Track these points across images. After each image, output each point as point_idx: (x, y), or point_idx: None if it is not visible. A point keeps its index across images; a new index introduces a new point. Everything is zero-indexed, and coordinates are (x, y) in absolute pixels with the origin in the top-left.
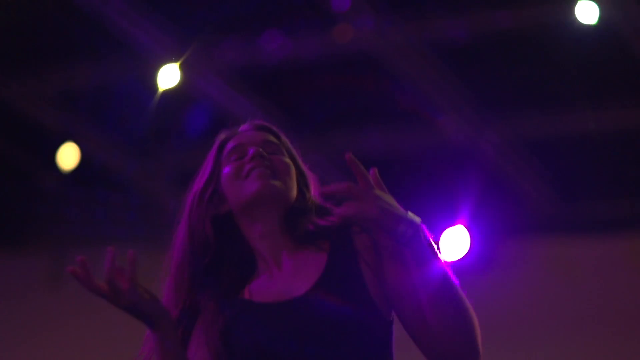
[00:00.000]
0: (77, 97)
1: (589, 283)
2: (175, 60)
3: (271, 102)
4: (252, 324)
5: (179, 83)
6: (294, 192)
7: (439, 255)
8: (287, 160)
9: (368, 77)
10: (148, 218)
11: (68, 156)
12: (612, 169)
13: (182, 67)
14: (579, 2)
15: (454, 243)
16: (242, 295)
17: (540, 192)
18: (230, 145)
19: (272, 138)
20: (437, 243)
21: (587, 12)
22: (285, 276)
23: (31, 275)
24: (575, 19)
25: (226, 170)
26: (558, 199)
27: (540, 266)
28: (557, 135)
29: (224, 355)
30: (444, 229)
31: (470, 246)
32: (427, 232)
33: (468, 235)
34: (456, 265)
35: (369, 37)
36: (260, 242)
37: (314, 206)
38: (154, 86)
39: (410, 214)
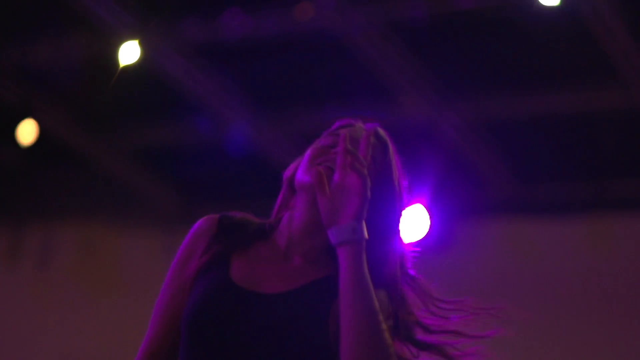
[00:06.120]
0: (37, 73)
1: (547, 264)
2: (135, 37)
3: (231, 79)
4: (211, 295)
5: (139, 59)
6: None
7: (370, 292)
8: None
9: (328, 56)
10: (107, 194)
11: (27, 132)
12: (570, 151)
13: (142, 44)
14: None
15: (413, 223)
16: (233, 257)
17: (499, 173)
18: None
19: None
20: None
21: None
22: (277, 269)
23: None
24: (537, 0)
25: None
26: (517, 181)
27: (499, 247)
28: (517, 117)
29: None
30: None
31: (429, 226)
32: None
33: (427, 216)
34: (415, 245)
35: (330, 16)
36: (293, 221)
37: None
38: (114, 62)
39: (356, 227)
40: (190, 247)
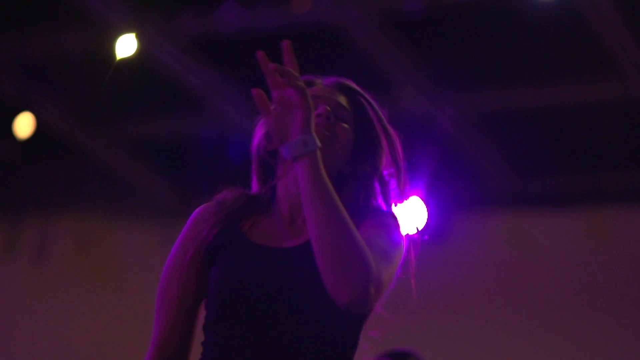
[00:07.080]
0: (34, 66)
1: (542, 257)
2: (132, 30)
3: (227, 72)
4: (238, 258)
5: (136, 52)
6: (342, 160)
7: (331, 197)
8: (348, 129)
9: (325, 49)
10: (104, 187)
11: (24, 125)
12: (567, 143)
13: (139, 37)
14: None
15: (410, 215)
16: (242, 226)
17: (496, 166)
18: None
19: (345, 103)
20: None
21: None
22: (287, 232)
23: None
24: None
25: None
26: (513, 173)
27: (495, 239)
28: (514, 109)
29: (191, 274)
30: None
31: (426, 219)
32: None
33: (425, 208)
34: (412, 237)
35: (327, 9)
36: (289, 188)
37: (367, 179)
38: (111, 55)
39: (307, 140)
40: (191, 233)
